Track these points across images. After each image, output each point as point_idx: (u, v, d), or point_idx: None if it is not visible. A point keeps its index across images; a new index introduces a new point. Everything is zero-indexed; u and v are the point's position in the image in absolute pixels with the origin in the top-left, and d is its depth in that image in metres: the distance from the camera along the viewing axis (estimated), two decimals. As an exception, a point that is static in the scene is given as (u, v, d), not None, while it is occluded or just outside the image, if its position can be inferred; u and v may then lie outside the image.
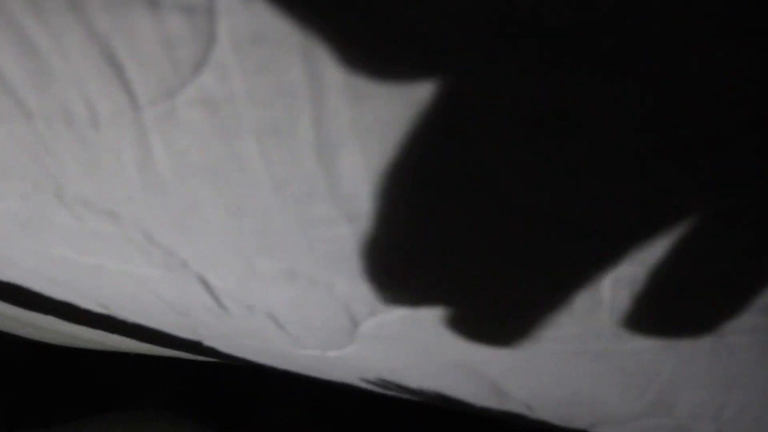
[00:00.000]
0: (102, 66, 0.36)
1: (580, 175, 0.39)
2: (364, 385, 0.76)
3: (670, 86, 0.34)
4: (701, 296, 0.47)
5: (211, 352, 0.84)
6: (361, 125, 0.37)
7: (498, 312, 0.49)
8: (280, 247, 0.47)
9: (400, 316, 0.52)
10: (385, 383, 0.72)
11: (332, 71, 0.35)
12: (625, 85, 0.34)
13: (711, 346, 0.51)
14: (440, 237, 0.43)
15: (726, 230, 0.42)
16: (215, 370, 1.22)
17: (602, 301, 0.48)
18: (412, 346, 0.57)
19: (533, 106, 0.36)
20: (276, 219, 0.44)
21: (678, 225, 0.42)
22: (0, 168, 0.46)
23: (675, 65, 0.33)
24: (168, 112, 0.38)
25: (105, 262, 0.55)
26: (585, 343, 0.52)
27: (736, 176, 0.38)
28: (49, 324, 0.96)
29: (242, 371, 1.21)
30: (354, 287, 0.50)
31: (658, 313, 0.49)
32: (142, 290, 0.59)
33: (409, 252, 0.44)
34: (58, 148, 0.42)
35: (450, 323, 0.50)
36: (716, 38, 0.32)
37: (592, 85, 0.34)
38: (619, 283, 0.46)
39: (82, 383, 1.41)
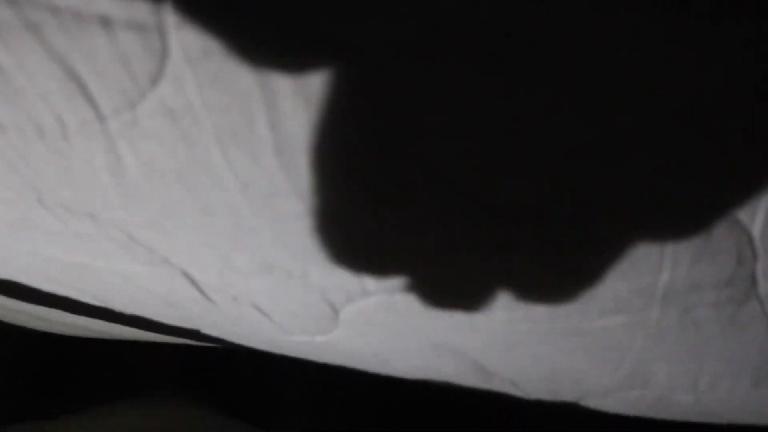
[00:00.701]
0: (65, 82, 0.38)
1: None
2: (358, 366, 0.78)
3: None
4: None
5: (210, 338, 0.87)
6: (314, 125, 0.39)
7: (459, 287, 0.51)
8: (253, 242, 0.49)
9: (375, 301, 0.54)
10: (374, 365, 0.74)
11: (282, 78, 0.37)
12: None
13: (677, 321, 0.53)
14: (397, 222, 0.45)
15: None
16: (223, 354, 1.24)
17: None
18: (392, 330, 0.59)
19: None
20: (246, 216, 0.46)
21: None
22: (-19, 177, 0.48)
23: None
24: (132, 122, 0.40)
25: (91, 261, 0.57)
26: (554, 322, 0.54)
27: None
28: (56, 316, 0.99)
29: (249, 354, 1.23)
30: (328, 276, 0.52)
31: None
32: (131, 285, 0.62)
33: (367, 234, 0.46)
34: (33, 158, 0.44)
35: (414, 290, 0.52)
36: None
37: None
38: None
39: (92, 372, 1.44)
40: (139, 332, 1.03)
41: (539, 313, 0.52)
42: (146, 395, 1.33)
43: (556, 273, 0.49)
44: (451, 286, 0.50)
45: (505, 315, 0.53)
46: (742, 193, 0.43)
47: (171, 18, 0.35)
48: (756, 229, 0.45)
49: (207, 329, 0.75)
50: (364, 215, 0.44)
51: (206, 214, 0.47)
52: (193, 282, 0.57)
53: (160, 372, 1.46)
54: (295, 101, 0.38)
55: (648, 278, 0.49)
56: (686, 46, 0.34)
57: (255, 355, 1.21)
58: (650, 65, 0.35)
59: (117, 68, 0.37)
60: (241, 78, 0.37)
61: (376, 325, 0.59)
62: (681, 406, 0.67)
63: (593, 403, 0.74)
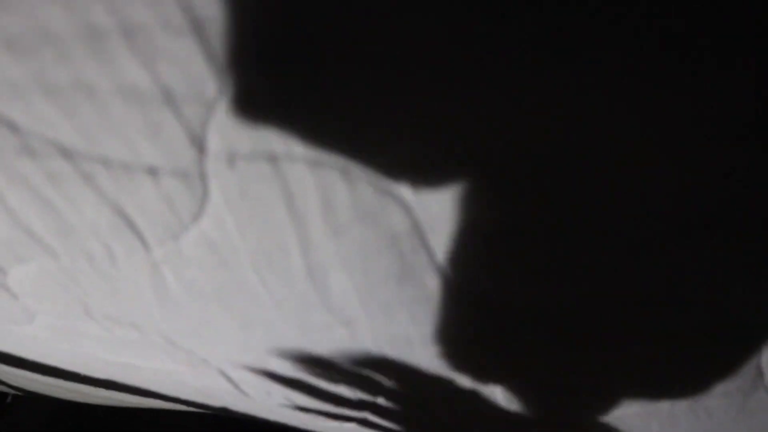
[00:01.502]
0: (114, 218, 0.42)
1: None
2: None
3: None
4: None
5: (239, 414, 0.90)
6: (342, 253, 0.42)
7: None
8: (287, 348, 0.53)
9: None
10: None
11: (312, 213, 0.41)
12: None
13: (689, 410, 0.56)
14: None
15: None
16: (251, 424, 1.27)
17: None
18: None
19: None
20: (280, 328, 0.50)
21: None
22: (35, 293, 0.52)
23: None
24: (175, 250, 0.44)
25: (133, 361, 0.61)
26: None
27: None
28: (90, 390, 1.02)
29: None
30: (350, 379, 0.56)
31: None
32: (170, 380, 0.65)
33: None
34: (82, 279, 0.48)
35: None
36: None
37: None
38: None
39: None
40: (173, 404, 1.06)
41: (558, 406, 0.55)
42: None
43: (571, 368, 0.52)
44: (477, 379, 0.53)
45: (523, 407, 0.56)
46: (747, 297, 0.46)
47: (211, 166, 0.38)
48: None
49: (236, 408, 0.78)
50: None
51: (243, 327, 0.50)
52: (229, 379, 0.61)
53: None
54: (324, 233, 0.41)
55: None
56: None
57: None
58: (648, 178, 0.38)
59: (162, 208, 0.41)
60: (275, 212, 0.40)
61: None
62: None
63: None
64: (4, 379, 1.14)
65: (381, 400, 0.60)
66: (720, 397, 0.53)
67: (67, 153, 0.38)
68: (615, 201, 0.38)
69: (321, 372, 0.55)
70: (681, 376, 0.52)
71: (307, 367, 0.55)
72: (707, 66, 0.31)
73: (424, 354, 0.51)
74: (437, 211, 0.39)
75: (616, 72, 0.32)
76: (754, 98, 0.33)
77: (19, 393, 1.34)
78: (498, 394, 0.56)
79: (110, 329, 0.54)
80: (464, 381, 0.54)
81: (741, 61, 0.31)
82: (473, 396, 0.56)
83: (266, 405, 0.66)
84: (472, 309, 0.46)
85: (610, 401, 0.55)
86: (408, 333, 0.49)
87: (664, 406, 0.55)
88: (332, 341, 0.50)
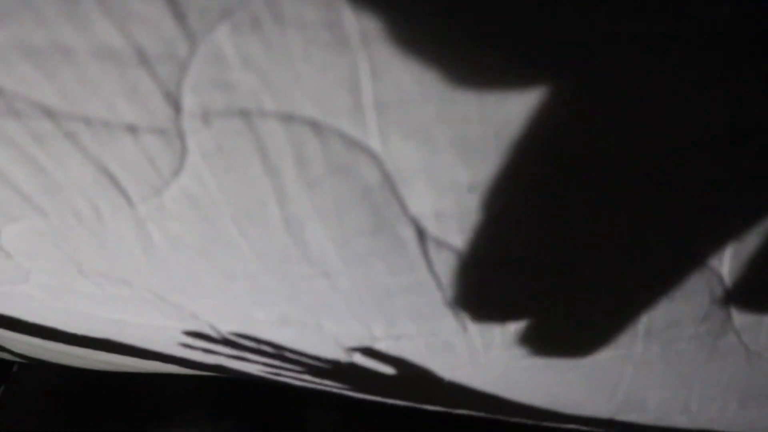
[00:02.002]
0: (98, 177, 0.44)
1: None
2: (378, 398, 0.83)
3: None
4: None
5: (235, 372, 0.92)
6: (316, 206, 0.45)
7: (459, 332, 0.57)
8: (270, 300, 0.55)
9: (384, 346, 0.60)
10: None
11: (286, 167, 0.43)
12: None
13: (661, 353, 0.58)
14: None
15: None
16: (249, 384, 1.29)
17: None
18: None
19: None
20: (263, 279, 0.52)
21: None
22: (28, 252, 0.54)
23: None
24: (158, 206, 0.46)
25: (126, 318, 0.63)
26: (548, 358, 0.59)
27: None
28: (90, 354, 1.04)
29: (277, 386, 1.28)
30: (340, 326, 0.58)
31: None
32: (163, 336, 0.68)
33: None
34: (72, 237, 0.50)
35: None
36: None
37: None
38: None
39: (126, 404, 1.49)
40: (170, 367, 1.08)
41: (536, 350, 0.57)
42: (180, 425, 1.37)
43: (552, 315, 0.54)
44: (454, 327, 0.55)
45: (506, 353, 0.58)
46: (710, 240, 0.47)
47: (187, 123, 0.40)
48: (725, 270, 0.49)
49: (231, 364, 0.81)
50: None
51: (227, 279, 0.52)
52: (219, 333, 0.63)
53: (189, 402, 1.51)
54: (298, 184, 0.43)
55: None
56: (654, 102, 0.39)
57: (282, 386, 1.26)
58: (618, 124, 0.40)
59: (143, 164, 0.43)
60: (251, 167, 0.43)
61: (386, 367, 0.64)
62: (678, 425, 0.71)
63: (595, 428, 0.78)
64: (7, 346, 1.16)
65: (357, 357, 0.62)
66: (690, 340, 0.55)
67: (49, 113, 0.40)
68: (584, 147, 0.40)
69: (306, 322, 0.57)
70: (650, 319, 0.53)
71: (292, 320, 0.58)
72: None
73: (403, 304, 0.53)
74: (407, 162, 0.41)
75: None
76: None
77: (24, 360, 1.36)
78: (477, 340, 0.58)
79: (102, 286, 0.56)
80: (444, 329, 0.56)
81: None
82: (448, 347, 0.59)
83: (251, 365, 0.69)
84: (444, 258, 0.48)
85: (585, 345, 0.57)
86: (387, 284, 0.51)
87: (637, 350, 0.57)
88: (314, 293, 0.52)
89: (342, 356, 0.63)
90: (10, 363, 1.58)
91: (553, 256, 0.48)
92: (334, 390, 0.84)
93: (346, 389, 0.80)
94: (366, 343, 0.59)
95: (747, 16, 0.34)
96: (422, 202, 0.44)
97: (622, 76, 0.36)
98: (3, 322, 0.82)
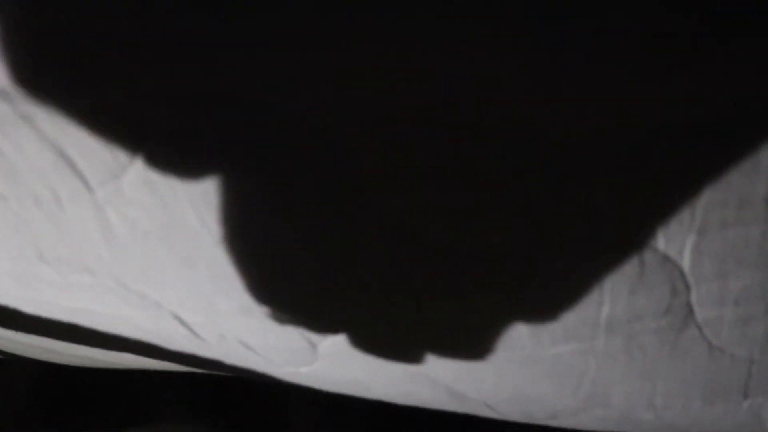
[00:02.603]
0: (56, 160, 0.44)
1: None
2: (343, 392, 0.83)
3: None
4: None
5: (214, 366, 0.92)
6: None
7: (405, 334, 0.57)
8: (231, 288, 0.55)
9: (345, 337, 0.60)
10: (358, 391, 0.79)
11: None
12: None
13: (624, 347, 0.58)
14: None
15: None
16: (231, 380, 1.29)
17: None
18: (366, 360, 0.65)
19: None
20: (222, 267, 0.52)
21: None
22: (-12, 237, 0.54)
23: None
24: (116, 191, 0.46)
25: (90, 306, 0.63)
26: (512, 351, 0.59)
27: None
28: (65, 349, 1.04)
29: (260, 381, 1.28)
30: (303, 316, 0.58)
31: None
32: (129, 326, 0.67)
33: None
34: (32, 222, 0.50)
35: (356, 345, 0.58)
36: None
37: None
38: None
39: (104, 401, 1.48)
40: (146, 361, 1.07)
41: (497, 344, 0.57)
42: (158, 423, 1.37)
43: (508, 307, 0.54)
44: (406, 327, 0.56)
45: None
46: (668, 230, 0.48)
47: (143, 105, 0.41)
48: (686, 264, 0.50)
49: (204, 358, 0.81)
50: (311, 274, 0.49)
51: (187, 266, 0.52)
52: (183, 323, 0.63)
53: (169, 399, 1.50)
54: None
55: (591, 309, 0.53)
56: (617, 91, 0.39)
57: (262, 380, 1.26)
58: (587, 108, 0.40)
59: (100, 148, 0.43)
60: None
61: (351, 356, 0.64)
62: (645, 423, 0.71)
63: (566, 422, 0.78)
64: (-20, 340, 1.16)
65: (324, 344, 0.62)
66: (652, 333, 0.55)
67: (4, 95, 0.40)
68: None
69: (268, 312, 0.57)
70: (612, 312, 0.54)
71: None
72: None
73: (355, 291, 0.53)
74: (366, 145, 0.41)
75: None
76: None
77: (0, 356, 1.36)
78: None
79: (64, 274, 0.56)
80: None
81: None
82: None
83: (223, 349, 0.68)
84: (399, 244, 0.48)
85: (546, 338, 0.57)
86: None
87: (600, 343, 0.57)
88: (275, 281, 0.52)
89: (306, 346, 0.63)
90: (-14, 361, 1.57)
91: (512, 246, 0.48)
92: (301, 384, 0.84)
93: (316, 383, 0.80)
94: (329, 333, 0.59)
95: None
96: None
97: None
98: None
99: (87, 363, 1.19)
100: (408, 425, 1.34)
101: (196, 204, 0.46)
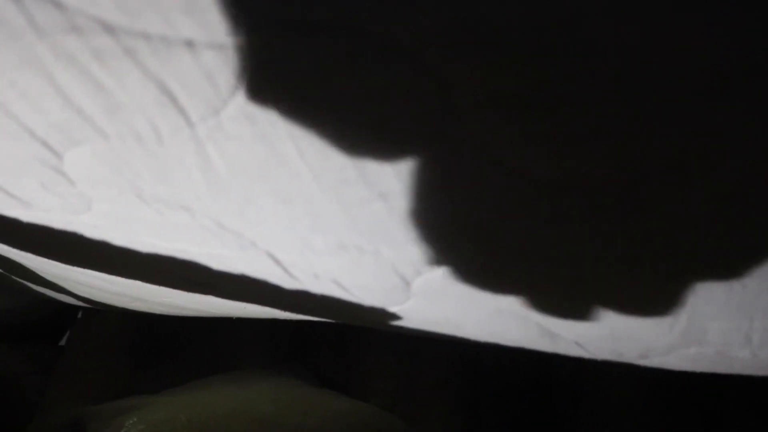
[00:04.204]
0: (158, 96, 0.45)
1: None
2: (433, 331, 0.84)
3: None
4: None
5: (299, 309, 0.93)
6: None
7: (518, 265, 0.56)
8: (328, 225, 0.55)
9: (442, 273, 0.60)
10: (448, 330, 0.80)
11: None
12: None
13: (724, 281, 0.57)
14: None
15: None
16: (311, 327, 1.31)
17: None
18: (459, 298, 0.65)
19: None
20: (320, 203, 0.52)
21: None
22: (90, 178, 0.55)
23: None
24: (217, 126, 0.46)
25: (187, 246, 0.64)
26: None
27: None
28: (153, 296, 1.06)
29: (336, 327, 1.30)
30: (398, 252, 0.58)
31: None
32: (223, 267, 0.68)
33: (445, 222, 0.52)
34: (133, 160, 0.51)
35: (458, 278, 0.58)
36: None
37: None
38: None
39: (189, 348, 1.52)
40: (229, 308, 1.09)
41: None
42: (240, 369, 1.40)
43: (605, 237, 0.53)
44: (509, 257, 0.55)
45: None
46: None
47: (244, 38, 0.40)
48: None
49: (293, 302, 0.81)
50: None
51: (284, 203, 0.52)
52: (277, 262, 0.64)
53: (250, 346, 1.53)
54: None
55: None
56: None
57: (342, 325, 1.28)
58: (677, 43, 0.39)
59: (202, 81, 0.43)
60: (308, 84, 0.43)
61: (444, 294, 0.64)
62: (740, 361, 0.70)
63: (656, 361, 0.78)
64: (70, 289, 1.19)
65: (418, 282, 0.62)
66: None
67: (109, 29, 0.41)
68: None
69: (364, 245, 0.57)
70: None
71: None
72: None
73: (457, 226, 0.53)
74: (466, 77, 0.41)
75: None
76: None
77: (87, 305, 1.40)
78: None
79: (162, 213, 0.57)
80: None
81: None
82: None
83: (316, 289, 0.69)
84: (500, 179, 0.48)
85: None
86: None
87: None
88: (371, 216, 0.52)
89: (400, 284, 0.63)
90: (75, 310, 1.61)
91: (613, 178, 0.48)
92: (390, 328, 0.84)
93: (407, 323, 0.80)
94: (424, 270, 0.59)
95: None
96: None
97: None
98: (66, 255, 0.84)
99: (172, 311, 1.21)
100: (477, 381, 1.35)
101: (295, 138, 0.46)
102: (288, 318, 1.15)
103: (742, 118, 0.41)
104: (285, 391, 1.23)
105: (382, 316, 0.76)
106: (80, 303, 1.37)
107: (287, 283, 0.68)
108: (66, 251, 0.79)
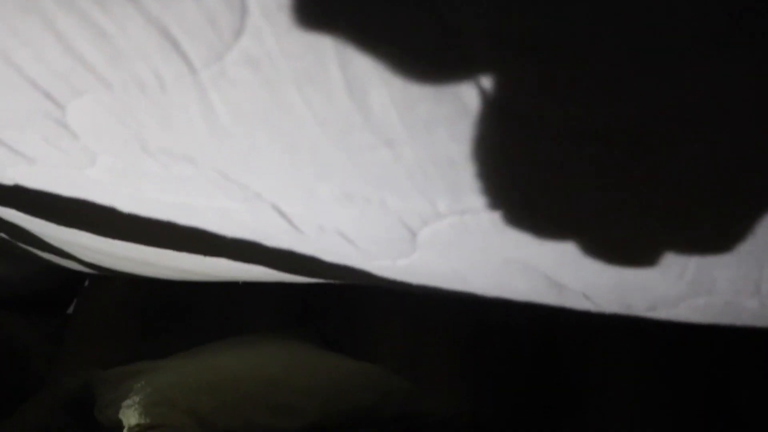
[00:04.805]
0: (160, 41, 0.44)
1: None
2: (439, 285, 0.83)
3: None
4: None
5: (306, 271, 0.93)
6: (379, 67, 0.44)
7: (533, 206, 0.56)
8: (333, 174, 0.55)
9: (448, 223, 0.59)
10: (454, 283, 0.80)
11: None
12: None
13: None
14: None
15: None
16: (319, 289, 1.31)
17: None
18: (466, 249, 0.65)
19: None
20: (325, 150, 0.52)
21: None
22: (94, 130, 0.55)
23: None
24: (220, 72, 0.46)
25: (192, 200, 0.64)
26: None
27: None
28: (160, 260, 1.06)
29: (343, 288, 1.30)
30: (404, 202, 0.57)
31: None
32: (229, 222, 0.68)
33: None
34: (136, 110, 0.50)
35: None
36: None
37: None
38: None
39: (197, 313, 1.52)
40: (237, 271, 1.09)
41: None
42: (248, 332, 1.40)
43: (616, 184, 0.53)
44: (519, 204, 0.55)
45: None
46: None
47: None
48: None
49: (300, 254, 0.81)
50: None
51: (289, 151, 0.52)
52: (282, 214, 0.63)
53: (258, 310, 1.54)
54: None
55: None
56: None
57: (349, 288, 1.28)
58: None
59: (204, 26, 0.43)
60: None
61: (450, 246, 0.64)
62: (749, 312, 0.70)
63: (665, 313, 0.77)
64: (77, 255, 1.19)
65: (424, 233, 0.62)
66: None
67: (108, -29, 0.40)
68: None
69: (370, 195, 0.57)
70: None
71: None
72: None
73: (468, 176, 0.52)
74: (473, 21, 0.40)
75: None
76: None
77: (94, 271, 1.40)
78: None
79: (167, 165, 0.57)
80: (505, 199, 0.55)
81: None
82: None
83: (321, 242, 0.69)
84: (509, 125, 0.47)
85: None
86: (449, 152, 0.50)
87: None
88: (377, 165, 0.52)
89: (406, 235, 0.63)
90: (82, 278, 1.62)
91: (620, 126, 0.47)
92: (396, 279, 0.84)
93: (413, 277, 0.80)
94: (430, 221, 0.59)
95: None
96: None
97: None
98: (71, 219, 0.84)
99: (179, 275, 1.21)
100: (483, 343, 1.35)
101: (300, 83, 0.45)
102: (295, 281, 1.15)
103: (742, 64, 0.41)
104: (293, 353, 1.24)
105: (389, 269, 0.76)
106: (87, 269, 1.37)
107: (293, 237, 0.68)
108: (71, 215, 0.79)
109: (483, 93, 0.44)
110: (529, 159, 0.50)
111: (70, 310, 1.67)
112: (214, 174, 0.57)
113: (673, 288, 0.66)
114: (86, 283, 1.66)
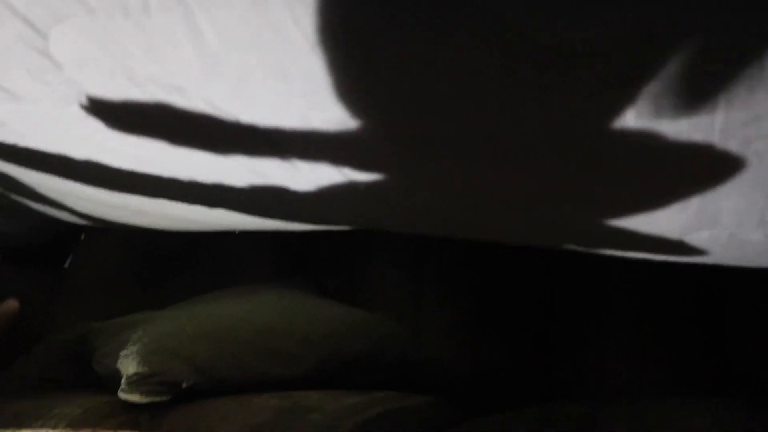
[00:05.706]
0: (143, -41, 0.42)
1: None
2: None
3: None
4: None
5: (301, 218, 0.91)
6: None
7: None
8: (328, 101, 0.53)
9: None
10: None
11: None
12: None
13: (738, 153, 0.55)
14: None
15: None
16: (314, 238, 1.29)
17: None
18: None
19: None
20: (318, 76, 0.50)
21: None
22: (77, 60, 0.53)
23: None
24: (205, -10, 0.44)
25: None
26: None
27: None
28: (154, 209, 1.04)
29: (340, 237, 1.29)
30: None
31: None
32: (223, 163, 0.67)
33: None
34: (121, 36, 0.48)
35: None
36: None
37: None
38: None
39: (194, 263, 1.51)
40: (235, 220, 1.08)
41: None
42: (246, 283, 1.39)
43: (618, 109, 0.51)
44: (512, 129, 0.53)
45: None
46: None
47: None
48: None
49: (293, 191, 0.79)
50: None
51: (282, 80, 0.50)
52: (275, 147, 0.62)
53: (256, 262, 1.52)
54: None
55: (704, 114, 0.50)
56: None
57: (346, 238, 1.27)
58: None
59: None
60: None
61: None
62: (753, 245, 0.69)
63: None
64: (70, 205, 1.17)
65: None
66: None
67: None
68: None
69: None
70: (727, 115, 0.50)
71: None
72: None
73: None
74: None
75: None
76: None
77: (88, 223, 1.38)
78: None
79: (155, 96, 0.55)
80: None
81: None
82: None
83: (315, 174, 0.67)
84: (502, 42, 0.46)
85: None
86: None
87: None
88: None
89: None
90: (78, 232, 1.60)
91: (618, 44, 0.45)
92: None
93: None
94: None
95: None
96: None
97: None
98: (56, 164, 0.82)
99: (175, 225, 1.20)
100: (483, 290, 1.34)
101: (290, 3, 0.43)
102: (291, 229, 1.14)
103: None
104: (291, 302, 1.23)
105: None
106: (81, 221, 1.36)
107: (288, 173, 0.66)
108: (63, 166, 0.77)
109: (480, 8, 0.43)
110: (524, 79, 0.48)
111: (67, 264, 1.65)
112: (204, 105, 0.55)
113: (677, 221, 0.65)
114: (82, 237, 1.65)
